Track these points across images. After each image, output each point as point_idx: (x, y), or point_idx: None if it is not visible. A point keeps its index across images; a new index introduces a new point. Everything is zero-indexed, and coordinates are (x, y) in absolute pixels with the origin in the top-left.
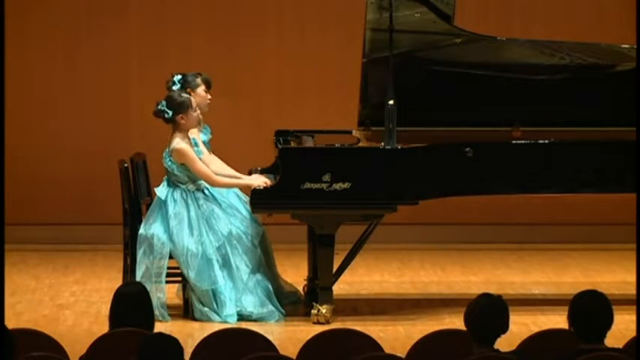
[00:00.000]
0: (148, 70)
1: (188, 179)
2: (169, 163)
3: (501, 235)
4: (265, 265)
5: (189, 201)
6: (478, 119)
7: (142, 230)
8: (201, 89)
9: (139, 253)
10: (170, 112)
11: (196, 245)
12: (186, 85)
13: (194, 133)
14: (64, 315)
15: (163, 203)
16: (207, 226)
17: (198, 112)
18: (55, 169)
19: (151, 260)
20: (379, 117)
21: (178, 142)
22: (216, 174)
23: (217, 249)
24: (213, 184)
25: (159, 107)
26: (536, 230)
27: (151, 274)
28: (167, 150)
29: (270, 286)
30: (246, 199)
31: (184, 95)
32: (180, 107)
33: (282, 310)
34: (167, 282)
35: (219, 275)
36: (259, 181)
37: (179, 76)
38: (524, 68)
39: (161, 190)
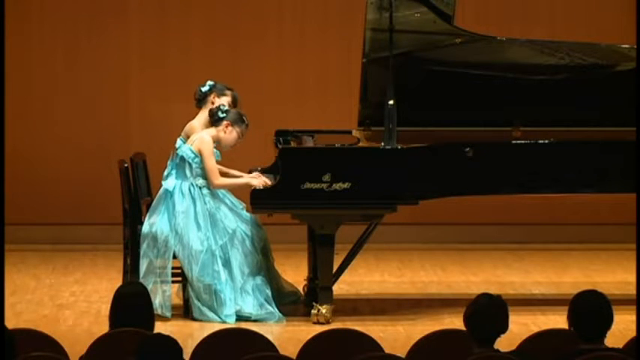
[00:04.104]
0: (148, 70)
1: (200, 172)
2: (189, 152)
3: (501, 235)
4: (265, 268)
5: (196, 196)
6: (478, 119)
7: (145, 224)
8: (225, 99)
9: (143, 247)
10: (224, 115)
11: (202, 240)
12: (214, 89)
13: None
14: (64, 315)
15: (170, 195)
16: (212, 222)
17: (238, 142)
18: (55, 169)
19: (155, 254)
20: (379, 117)
21: (208, 134)
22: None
23: (221, 247)
24: (214, 185)
25: (220, 106)
26: (536, 230)
27: (154, 268)
28: (189, 141)
29: (269, 292)
30: (243, 205)
31: (246, 119)
32: (234, 117)
33: (282, 314)
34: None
35: (222, 272)
36: (258, 180)
37: (212, 82)
38: (524, 68)
39: (169, 183)
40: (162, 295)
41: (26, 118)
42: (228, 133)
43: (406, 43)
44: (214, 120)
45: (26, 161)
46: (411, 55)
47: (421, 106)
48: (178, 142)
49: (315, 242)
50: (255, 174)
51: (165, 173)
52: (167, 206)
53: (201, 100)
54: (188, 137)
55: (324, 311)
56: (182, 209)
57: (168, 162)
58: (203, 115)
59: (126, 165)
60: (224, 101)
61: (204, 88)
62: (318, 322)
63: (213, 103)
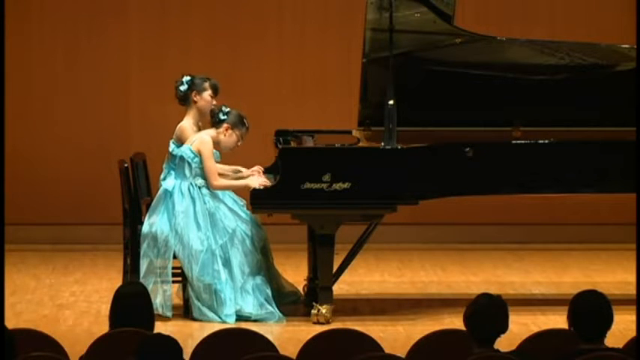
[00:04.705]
0: (148, 70)
1: (200, 172)
2: (188, 152)
3: (501, 235)
4: (265, 268)
5: (195, 195)
6: (478, 119)
7: (145, 225)
8: (207, 94)
9: (143, 247)
10: (225, 117)
11: (202, 239)
12: (193, 87)
13: None
14: (64, 315)
15: (170, 195)
16: (212, 222)
17: (237, 144)
18: (55, 169)
19: (155, 254)
20: (379, 117)
21: (208, 134)
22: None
23: (221, 246)
24: (213, 186)
25: (221, 108)
26: (536, 230)
27: (155, 268)
28: (188, 141)
29: (269, 292)
30: (243, 202)
31: (246, 122)
32: (235, 121)
33: (282, 314)
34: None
35: (222, 271)
36: (257, 181)
37: (188, 77)
38: (524, 68)
39: (168, 183)
40: (163, 295)
41: (26, 118)
42: (228, 137)
43: (406, 43)
44: (215, 121)
45: (26, 161)
46: (411, 55)
47: (421, 106)
48: (171, 145)
49: (315, 242)
50: (256, 167)
51: (162, 176)
52: (167, 206)
53: (183, 99)
54: (180, 140)
55: (324, 311)
56: (182, 209)
57: (164, 165)
58: (191, 114)
59: (126, 165)
60: (206, 96)
61: (183, 88)
62: (318, 322)
63: (195, 102)
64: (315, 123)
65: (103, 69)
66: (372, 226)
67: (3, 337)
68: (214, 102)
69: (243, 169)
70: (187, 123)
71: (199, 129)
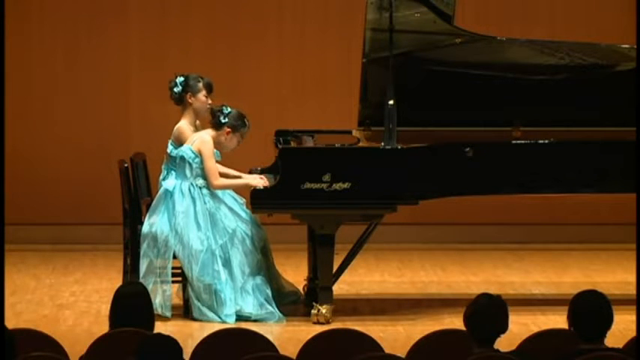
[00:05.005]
0: (148, 70)
1: (200, 173)
2: (189, 152)
3: (501, 235)
4: (265, 267)
5: (196, 195)
6: (478, 119)
7: (145, 225)
8: (202, 94)
9: (143, 247)
10: (225, 120)
11: (202, 239)
12: (187, 88)
13: None
14: (64, 315)
15: (170, 195)
16: (212, 222)
17: (238, 144)
18: (55, 169)
19: (155, 254)
20: (379, 117)
21: (208, 134)
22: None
23: (221, 246)
24: (213, 185)
25: (222, 108)
26: (536, 230)
27: (154, 268)
28: (188, 140)
29: (269, 292)
30: (243, 200)
31: (247, 121)
32: (235, 123)
33: (282, 314)
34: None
35: (222, 271)
36: (257, 180)
37: (181, 78)
38: (524, 68)
39: (169, 183)
40: (163, 295)
41: (26, 118)
42: (229, 139)
43: (406, 43)
44: (215, 122)
45: (26, 161)
46: (411, 55)
47: (421, 106)
48: (169, 146)
49: (315, 242)
50: (253, 175)
51: (161, 178)
52: (167, 206)
53: (178, 101)
54: (178, 141)
55: (324, 311)
56: (182, 209)
57: (163, 166)
58: (187, 115)
59: (126, 165)
60: (201, 97)
61: (177, 90)
62: (318, 322)
63: (190, 103)
64: (315, 123)
65: (103, 69)
66: (372, 226)
67: (3, 337)
68: (210, 101)
69: (242, 175)
70: (184, 124)
71: (197, 129)
